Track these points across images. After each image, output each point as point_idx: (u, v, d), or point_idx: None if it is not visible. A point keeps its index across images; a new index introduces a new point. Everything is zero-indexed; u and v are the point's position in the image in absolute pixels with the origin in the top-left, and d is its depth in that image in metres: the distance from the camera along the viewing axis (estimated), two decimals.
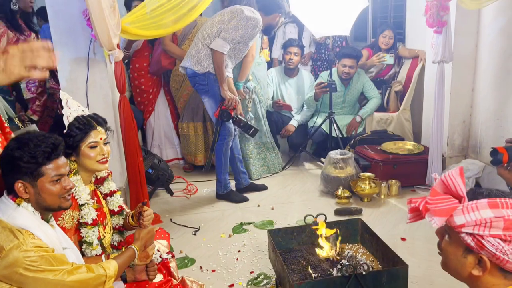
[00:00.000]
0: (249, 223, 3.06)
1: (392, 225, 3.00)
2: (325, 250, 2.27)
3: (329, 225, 2.50)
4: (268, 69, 4.34)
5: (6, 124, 1.96)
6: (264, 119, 3.97)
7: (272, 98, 4.25)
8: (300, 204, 3.37)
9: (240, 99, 3.63)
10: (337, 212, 3.16)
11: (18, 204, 1.47)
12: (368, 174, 3.41)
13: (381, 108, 4.36)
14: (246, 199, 3.48)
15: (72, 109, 1.88)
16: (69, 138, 1.80)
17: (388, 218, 3.11)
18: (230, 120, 3.26)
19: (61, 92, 1.90)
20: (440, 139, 3.44)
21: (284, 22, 4.70)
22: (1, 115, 2.09)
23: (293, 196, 3.55)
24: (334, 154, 3.53)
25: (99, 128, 1.87)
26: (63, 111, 1.86)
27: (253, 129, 3.34)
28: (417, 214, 1.15)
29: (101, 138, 1.87)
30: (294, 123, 4.25)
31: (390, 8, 5.06)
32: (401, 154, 3.61)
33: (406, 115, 4.25)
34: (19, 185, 1.46)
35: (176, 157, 4.31)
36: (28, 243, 1.40)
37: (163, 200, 3.56)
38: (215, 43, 3.12)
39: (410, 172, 3.55)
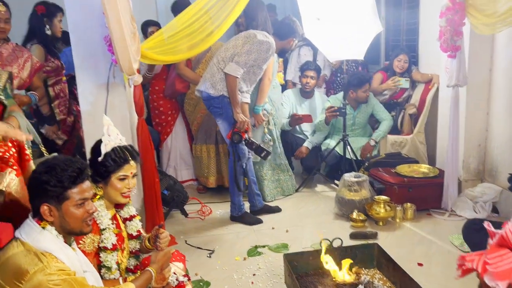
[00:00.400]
0: (264, 246, 3.05)
1: (408, 249, 2.96)
2: (341, 274, 2.26)
3: (345, 249, 2.50)
4: (282, 91, 4.39)
5: (27, 151, 2.02)
6: (279, 141, 3.99)
7: (289, 117, 4.28)
8: (314, 227, 3.36)
9: (259, 124, 3.68)
10: (353, 236, 3.14)
11: (43, 228, 1.51)
12: (383, 197, 3.39)
13: (395, 131, 4.36)
14: (260, 221, 3.47)
15: (111, 137, 1.90)
16: (102, 167, 1.85)
17: (404, 242, 3.08)
18: (243, 142, 3.30)
19: (104, 118, 1.94)
20: (456, 163, 3.42)
21: (299, 45, 4.77)
22: (25, 142, 2.15)
23: (307, 219, 3.54)
24: (349, 176, 3.53)
25: (132, 162, 1.92)
26: (102, 138, 1.90)
27: (265, 152, 3.36)
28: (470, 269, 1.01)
29: (131, 173, 1.92)
30: (308, 145, 4.27)
31: (402, 32, 5.11)
32: (416, 177, 3.59)
33: (420, 138, 4.24)
34: (44, 208, 1.50)
35: (191, 178, 4.34)
36: (52, 267, 1.43)
37: (177, 221, 3.57)
38: (229, 67, 3.19)
39: (425, 196, 3.53)
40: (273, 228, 3.36)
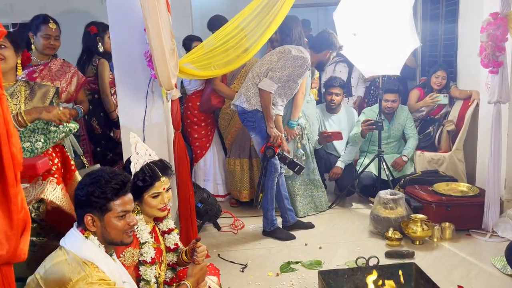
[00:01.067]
0: (297, 262, 3.02)
1: (447, 270, 2.86)
2: None
3: (382, 268, 2.44)
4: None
5: (72, 162, 2.10)
6: (312, 156, 3.97)
7: (318, 135, 4.25)
8: (348, 245, 3.30)
9: (292, 138, 3.67)
10: (388, 255, 3.06)
11: (86, 237, 1.56)
12: (420, 215, 3.30)
13: (432, 148, 4.25)
14: (293, 237, 3.44)
15: (139, 154, 1.91)
16: (133, 188, 1.83)
17: (442, 263, 2.97)
18: (276, 157, 3.30)
19: (131, 134, 1.96)
20: (497, 182, 3.29)
21: (335, 61, 4.76)
22: (69, 153, 2.24)
23: (341, 236, 3.48)
24: (384, 194, 3.46)
25: (163, 178, 1.91)
26: (131, 158, 1.91)
27: (298, 166, 3.35)
28: None
29: (164, 188, 1.92)
30: (341, 164, 4.20)
31: (440, 47, 5.02)
32: (455, 196, 3.48)
33: (459, 156, 4.12)
34: (88, 218, 1.55)
35: (225, 193, 4.36)
36: (93, 276, 1.47)
37: (210, 235, 3.59)
38: (263, 82, 3.21)
39: (464, 215, 3.40)
40: (306, 245, 3.32)
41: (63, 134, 2.10)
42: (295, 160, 3.38)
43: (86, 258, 1.52)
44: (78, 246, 1.54)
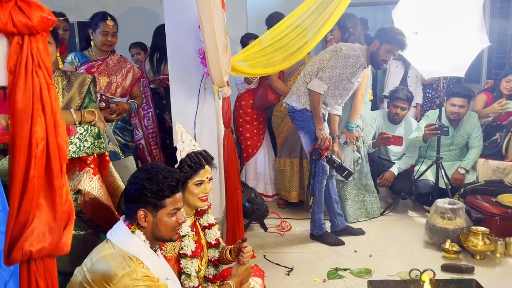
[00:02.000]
0: (345, 269, 2.90)
1: None
2: None
3: (438, 283, 2.27)
4: (372, 107, 4.18)
5: (106, 153, 2.12)
6: (366, 160, 3.81)
7: (373, 138, 4.05)
8: (401, 254, 3.13)
9: (351, 141, 3.53)
10: (445, 268, 2.86)
11: (133, 232, 1.55)
12: (482, 228, 3.05)
13: (498, 156, 3.93)
14: (342, 243, 3.32)
15: (185, 143, 1.96)
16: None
17: (506, 281, 2.73)
18: (324, 159, 3.18)
19: (176, 124, 2.02)
20: None
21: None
22: (104, 144, 2.24)
23: (393, 245, 3.31)
24: (442, 203, 3.24)
25: (207, 167, 1.95)
26: (177, 146, 1.95)
27: (347, 171, 3.20)
28: None
29: (207, 177, 1.94)
30: (394, 170, 3.99)
31: (509, 48, 4.65)
32: None
33: None
34: (141, 213, 1.54)
35: (273, 193, 4.30)
36: (138, 272, 1.45)
37: (256, 235, 3.54)
38: (312, 83, 3.11)
39: None
40: (355, 251, 3.19)
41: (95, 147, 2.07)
42: (344, 164, 3.23)
43: (131, 253, 1.51)
44: (124, 240, 1.54)
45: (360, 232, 3.49)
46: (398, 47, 3.08)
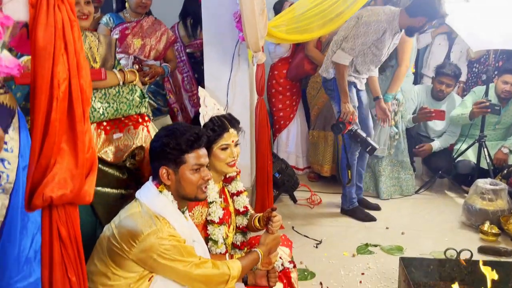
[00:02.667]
0: (376, 245, 2.82)
1: None
2: None
3: (474, 263, 2.15)
4: (413, 82, 3.97)
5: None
6: (403, 136, 3.63)
7: (414, 112, 3.85)
8: (435, 234, 3.00)
9: (389, 112, 3.37)
10: (482, 250, 2.72)
11: (160, 191, 1.54)
12: None
13: None
14: (373, 219, 3.21)
15: (208, 107, 1.90)
16: None
17: None
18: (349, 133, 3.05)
19: (199, 89, 1.95)
20: None
21: (434, 32, 4.28)
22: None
23: (428, 224, 3.18)
24: (483, 183, 3.07)
25: (231, 130, 1.88)
26: (200, 110, 1.89)
27: (371, 146, 3.04)
28: None
29: (232, 141, 1.87)
30: (435, 144, 3.80)
31: None
32: None
33: None
34: (163, 171, 1.52)
35: (304, 166, 4.22)
36: (164, 231, 1.43)
37: (286, 206, 3.48)
38: (336, 55, 2.97)
39: None
40: (387, 228, 3.09)
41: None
42: (368, 139, 3.06)
43: (158, 212, 1.50)
44: (152, 200, 1.52)
45: (375, 207, 3.39)
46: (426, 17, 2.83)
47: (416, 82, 4.57)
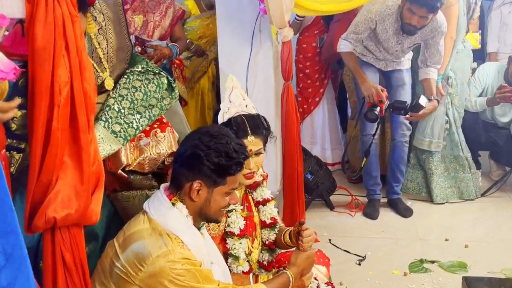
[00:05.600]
0: (433, 262, 2.86)
1: None
2: None
3: None
4: (473, 58, 3.92)
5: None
6: (457, 125, 3.63)
7: (481, 94, 3.80)
8: (506, 246, 3.03)
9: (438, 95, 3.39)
10: None
11: (173, 204, 1.55)
12: None
13: None
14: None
15: (233, 103, 1.89)
16: None
17: None
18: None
19: (229, 77, 1.96)
20: None
21: (502, 2, 4.24)
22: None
23: (498, 234, 3.20)
24: None
25: (251, 138, 1.85)
26: (221, 105, 1.90)
27: (415, 102, 3.14)
28: None
29: (251, 150, 1.83)
30: None
31: None
32: None
33: None
34: (195, 186, 1.54)
35: (333, 160, 4.26)
36: (177, 253, 1.45)
37: (320, 215, 3.54)
38: (338, 45, 3.31)
39: None
40: (446, 240, 3.12)
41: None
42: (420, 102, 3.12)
43: (170, 229, 1.51)
44: (163, 213, 1.53)
45: (407, 213, 3.52)
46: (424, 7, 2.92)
47: (483, 60, 4.51)
